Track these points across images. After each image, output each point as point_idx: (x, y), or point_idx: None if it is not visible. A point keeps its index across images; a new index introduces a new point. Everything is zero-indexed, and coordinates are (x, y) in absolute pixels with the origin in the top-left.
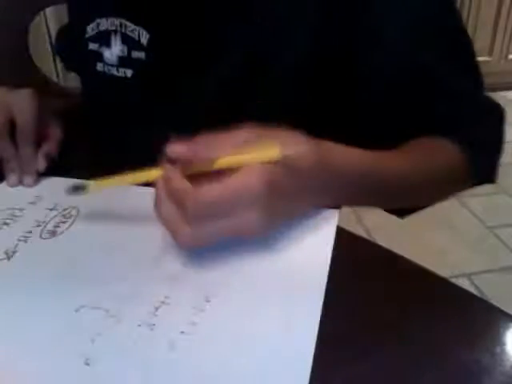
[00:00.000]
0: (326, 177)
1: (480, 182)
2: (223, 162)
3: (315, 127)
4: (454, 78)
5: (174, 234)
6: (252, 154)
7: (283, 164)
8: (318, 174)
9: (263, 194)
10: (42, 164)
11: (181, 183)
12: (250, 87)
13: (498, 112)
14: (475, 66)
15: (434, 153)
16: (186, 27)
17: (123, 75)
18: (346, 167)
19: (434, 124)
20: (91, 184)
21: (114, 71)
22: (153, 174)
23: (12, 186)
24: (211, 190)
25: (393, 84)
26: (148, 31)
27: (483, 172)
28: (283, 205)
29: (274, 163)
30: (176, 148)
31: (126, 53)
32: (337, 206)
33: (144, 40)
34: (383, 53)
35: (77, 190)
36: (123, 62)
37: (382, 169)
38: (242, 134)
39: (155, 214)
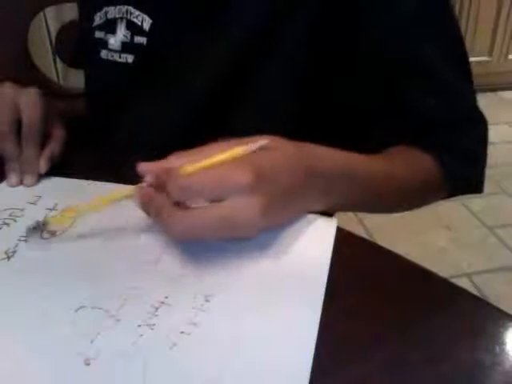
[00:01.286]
0: (305, 175)
1: (464, 191)
2: (215, 159)
3: (307, 126)
4: (450, 79)
5: (164, 222)
6: (240, 146)
7: (269, 155)
8: (300, 174)
9: (251, 181)
10: (43, 166)
11: (164, 172)
12: (248, 75)
13: (483, 122)
14: (469, 72)
15: (412, 160)
16: (187, 12)
17: (124, 61)
18: (328, 167)
19: (419, 120)
20: (51, 220)
21: (116, 57)
22: (124, 191)
23: (12, 185)
24: (195, 175)
25: (388, 79)
26: (151, 17)
27: (462, 181)
28: (272, 197)
29: (261, 154)
30: (146, 167)
31: (128, 38)
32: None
33: (146, 26)
34: (380, 50)
35: (36, 229)
36: (125, 47)
37: (364, 172)
38: (219, 145)
39: (142, 209)
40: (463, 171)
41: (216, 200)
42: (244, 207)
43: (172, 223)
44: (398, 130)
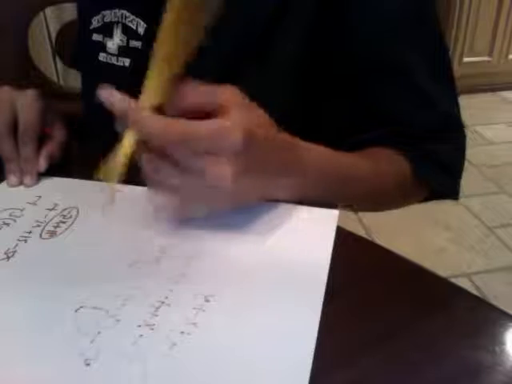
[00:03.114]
0: (292, 159)
1: (439, 197)
2: None
3: (300, 124)
4: (429, 87)
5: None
6: None
7: (268, 129)
8: (285, 154)
9: (240, 144)
10: (42, 165)
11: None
12: (242, 79)
13: (461, 130)
14: (451, 80)
15: (387, 161)
16: None
17: (122, 64)
18: (313, 158)
19: (398, 126)
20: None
21: (114, 61)
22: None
23: (13, 186)
24: (194, 125)
25: (370, 79)
26: (145, 21)
27: (436, 186)
28: (256, 166)
29: (258, 122)
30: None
31: (125, 42)
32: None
33: (141, 30)
34: (364, 49)
35: None
36: (122, 51)
37: (347, 166)
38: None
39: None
40: (437, 177)
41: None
42: (224, 168)
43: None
44: (373, 132)
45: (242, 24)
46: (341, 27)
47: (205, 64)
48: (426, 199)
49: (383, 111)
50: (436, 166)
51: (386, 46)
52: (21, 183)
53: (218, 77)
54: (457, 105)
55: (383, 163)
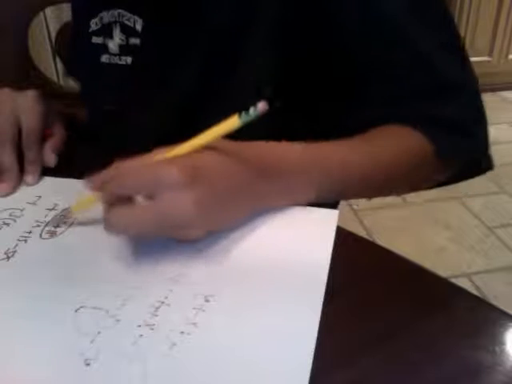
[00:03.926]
0: (256, 176)
1: (472, 173)
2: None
3: (289, 118)
4: (437, 56)
5: (103, 216)
6: (211, 130)
7: (209, 153)
8: (246, 176)
9: (183, 177)
10: (52, 159)
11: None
12: (233, 73)
13: (471, 92)
14: (461, 49)
15: (398, 140)
16: (175, 12)
17: (124, 63)
18: (290, 165)
19: (409, 95)
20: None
21: (117, 60)
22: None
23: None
24: (131, 170)
25: (376, 50)
26: (142, 18)
27: (456, 152)
28: (207, 194)
29: (200, 152)
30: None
31: (124, 41)
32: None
33: (139, 27)
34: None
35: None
36: (123, 49)
37: (340, 162)
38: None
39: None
40: (452, 139)
41: (150, 196)
42: (176, 203)
43: (108, 218)
44: (377, 111)
45: (208, 39)
46: (325, 22)
47: (191, 62)
48: (456, 177)
49: (387, 92)
50: (445, 128)
51: (386, 36)
52: (7, 193)
53: (191, 94)
54: (470, 73)
55: (392, 147)
